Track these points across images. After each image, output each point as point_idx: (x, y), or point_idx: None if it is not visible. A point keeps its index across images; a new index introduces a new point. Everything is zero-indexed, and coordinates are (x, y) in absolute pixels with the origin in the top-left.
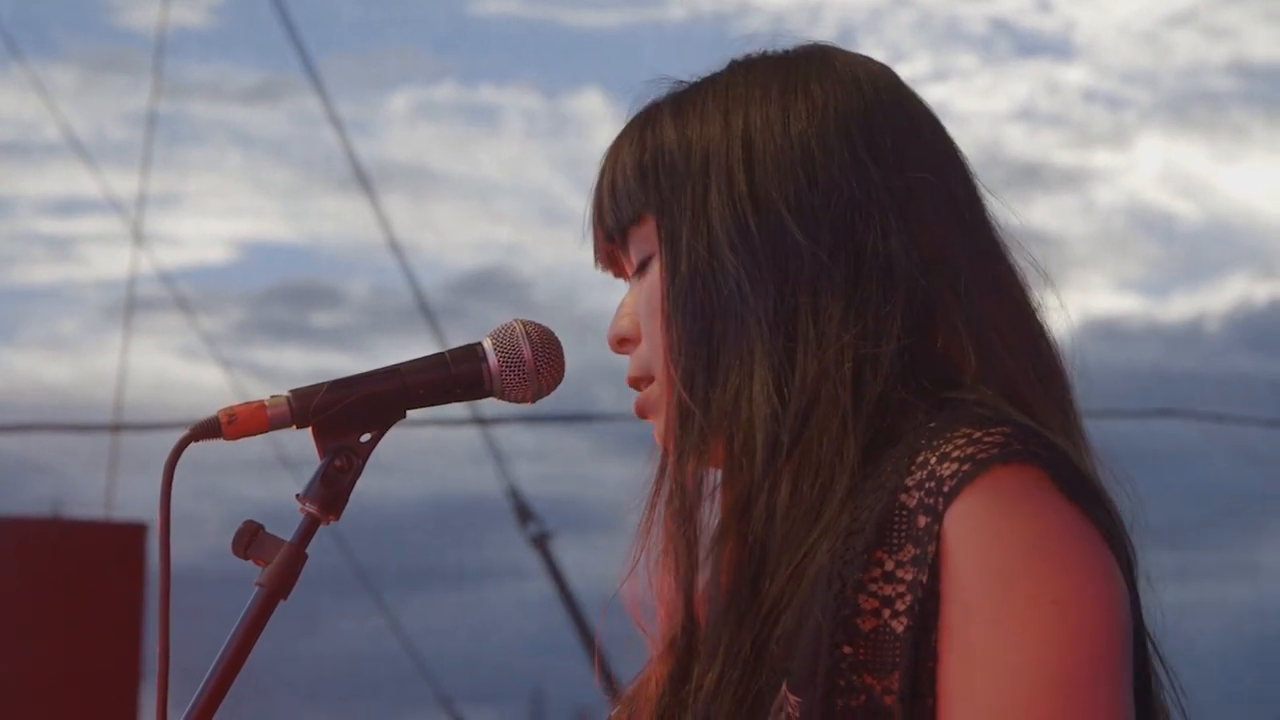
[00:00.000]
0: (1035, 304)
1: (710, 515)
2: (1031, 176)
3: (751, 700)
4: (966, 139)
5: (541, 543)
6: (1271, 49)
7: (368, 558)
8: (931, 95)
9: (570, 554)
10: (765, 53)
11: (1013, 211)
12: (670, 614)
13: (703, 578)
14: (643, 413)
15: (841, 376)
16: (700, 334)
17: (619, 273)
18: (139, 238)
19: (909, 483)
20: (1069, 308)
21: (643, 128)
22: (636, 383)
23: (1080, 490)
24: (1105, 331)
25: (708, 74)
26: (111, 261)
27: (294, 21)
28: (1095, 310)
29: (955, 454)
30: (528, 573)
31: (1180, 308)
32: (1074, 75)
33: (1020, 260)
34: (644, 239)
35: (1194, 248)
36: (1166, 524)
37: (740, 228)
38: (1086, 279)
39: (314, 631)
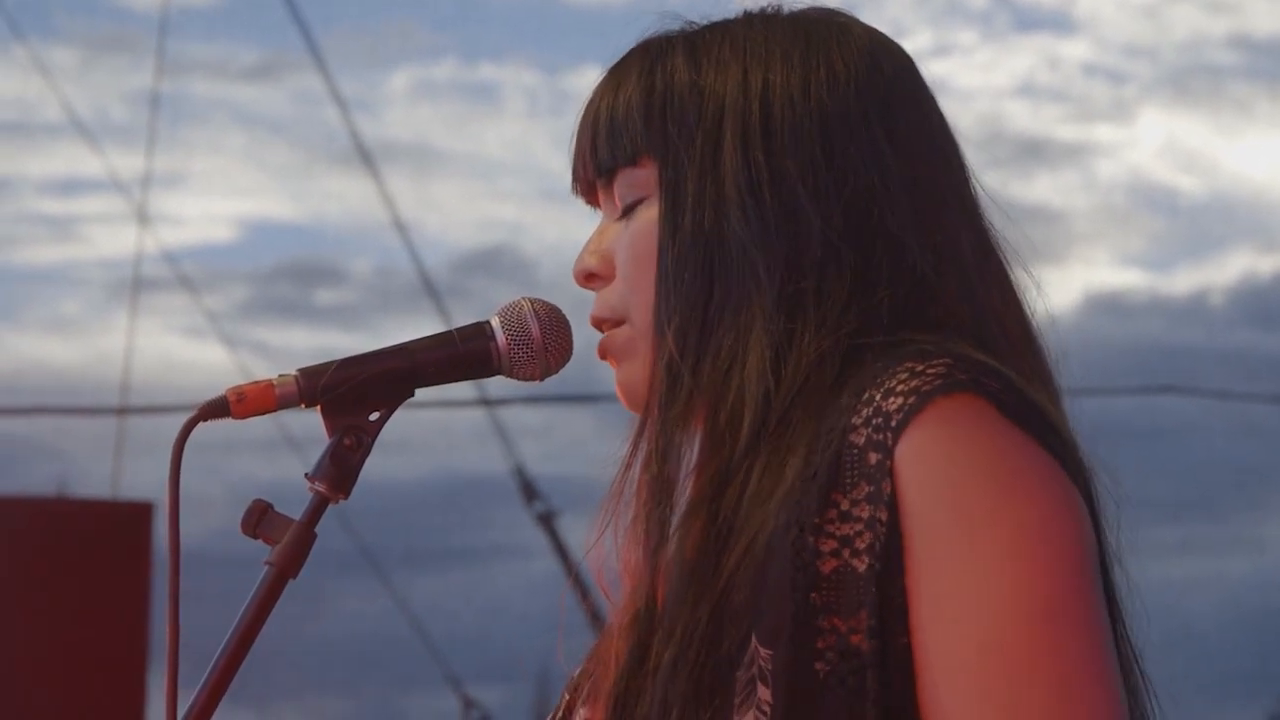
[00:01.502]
0: (1026, 297)
1: (684, 484)
2: (1033, 152)
3: (710, 677)
4: (968, 115)
5: (547, 521)
6: (1272, 23)
7: (374, 538)
8: (933, 71)
9: (576, 532)
10: (780, 8)
11: (986, 191)
12: (636, 585)
13: (669, 549)
14: (605, 354)
15: (834, 364)
16: (699, 294)
17: (592, 202)
18: (142, 218)
19: (856, 421)
20: (1073, 282)
21: (653, 63)
22: (601, 323)
23: (1029, 417)
24: (1109, 305)
25: (721, 19)
26: (114, 241)
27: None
28: (1098, 285)
29: (900, 388)
30: (534, 551)
31: (1183, 282)
32: (1075, 50)
33: (1007, 251)
34: (637, 181)
35: (1196, 222)
36: (1170, 499)
37: (754, 194)
38: (1089, 254)
39: (321, 612)
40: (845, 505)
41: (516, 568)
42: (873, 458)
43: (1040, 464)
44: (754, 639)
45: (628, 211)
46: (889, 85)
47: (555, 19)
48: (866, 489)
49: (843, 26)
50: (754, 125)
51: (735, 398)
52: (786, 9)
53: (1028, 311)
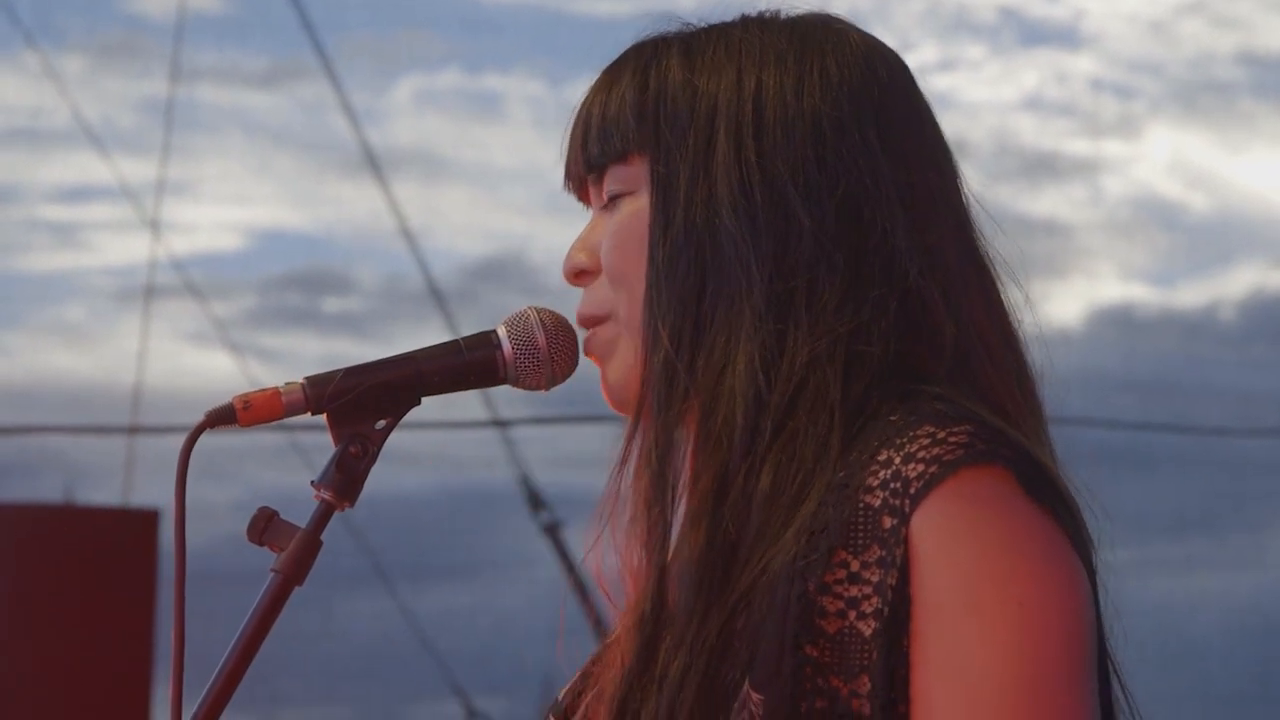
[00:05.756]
0: (1013, 311)
1: (681, 483)
2: (1041, 166)
3: (718, 694)
4: (976, 129)
5: (554, 531)
6: None
7: (380, 550)
8: (940, 85)
9: (583, 544)
10: (778, 13)
11: (992, 205)
12: (639, 587)
13: (674, 554)
14: (590, 353)
15: (834, 369)
16: (691, 292)
17: (583, 198)
18: (155, 225)
19: (872, 482)
20: (1080, 296)
21: (647, 63)
22: (588, 320)
23: (1044, 490)
24: (1115, 319)
25: (717, 23)
26: (120, 248)
27: (305, 7)
28: (1105, 299)
29: (921, 454)
30: (540, 562)
31: (1191, 297)
32: (1082, 65)
33: (999, 265)
34: (625, 176)
35: (1204, 237)
36: (1170, 515)
37: (745, 192)
38: (1096, 268)
39: (328, 623)
40: (855, 567)
41: (522, 579)
42: (887, 522)
43: (1052, 542)
44: (747, 681)
45: (612, 204)
46: (883, 90)
47: (560, 29)
48: (878, 553)
49: (839, 32)
50: (746, 124)
51: (727, 399)
52: (784, 14)
53: (1013, 323)
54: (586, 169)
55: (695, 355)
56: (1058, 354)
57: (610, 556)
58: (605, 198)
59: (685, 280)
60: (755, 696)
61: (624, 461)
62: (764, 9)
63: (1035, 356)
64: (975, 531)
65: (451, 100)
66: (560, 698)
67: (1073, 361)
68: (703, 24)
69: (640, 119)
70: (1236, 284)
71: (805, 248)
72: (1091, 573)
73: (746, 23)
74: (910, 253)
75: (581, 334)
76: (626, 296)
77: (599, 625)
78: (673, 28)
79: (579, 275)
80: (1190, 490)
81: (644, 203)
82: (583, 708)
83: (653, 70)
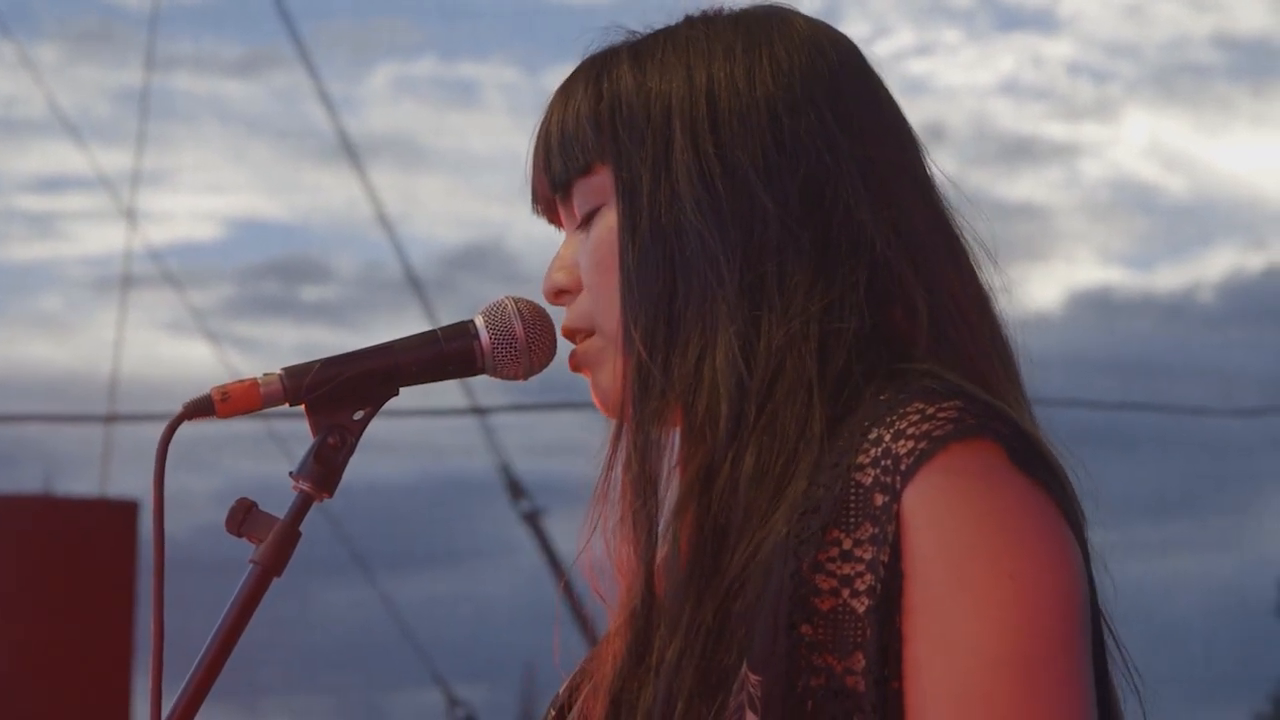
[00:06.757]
0: (987, 285)
1: (667, 480)
2: (1018, 150)
3: (716, 676)
4: (952, 114)
5: (534, 519)
6: (1255, 21)
7: (360, 538)
8: (916, 70)
9: (563, 531)
10: (721, 9)
11: (971, 189)
12: (630, 583)
13: (662, 546)
14: (579, 367)
15: (809, 347)
16: (662, 292)
17: (554, 220)
18: (131, 215)
19: (863, 460)
20: (1057, 280)
21: (598, 75)
22: (573, 334)
23: (1035, 463)
24: (1092, 303)
25: (663, 26)
26: (97, 238)
27: None
28: (1082, 282)
29: (910, 431)
30: (520, 550)
31: (1167, 280)
32: (1059, 49)
33: (971, 241)
34: (592, 190)
35: (1180, 220)
36: (1151, 496)
37: (707, 186)
38: (1073, 251)
39: (308, 612)
40: (848, 545)
41: (503, 567)
42: (879, 499)
43: (1043, 514)
44: (745, 664)
45: (586, 221)
46: (834, 71)
47: (536, 17)
48: (871, 530)
49: (784, 19)
50: (702, 119)
51: (709, 391)
52: (727, 9)
53: (986, 290)
54: (553, 188)
55: (670, 354)
56: (1037, 337)
57: (601, 555)
58: (578, 215)
59: (655, 281)
60: (753, 678)
61: (610, 465)
62: (707, 7)
63: (1014, 340)
64: (966, 506)
65: (428, 88)
66: (560, 692)
67: (1053, 345)
68: (649, 30)
69: (598, 128)
70: (1214, 266)
71: (772, 232)
72: (1084, 544)
73: (692, 22)
74: (876, 226)
75: (564, 338)
76: (607, 309)
77: (582, 616)
78: (619, 37)
79: (559, 295)
80: (1170, 471)
81: (614, 214)
82: (579, 703)
83: (605, 79)
